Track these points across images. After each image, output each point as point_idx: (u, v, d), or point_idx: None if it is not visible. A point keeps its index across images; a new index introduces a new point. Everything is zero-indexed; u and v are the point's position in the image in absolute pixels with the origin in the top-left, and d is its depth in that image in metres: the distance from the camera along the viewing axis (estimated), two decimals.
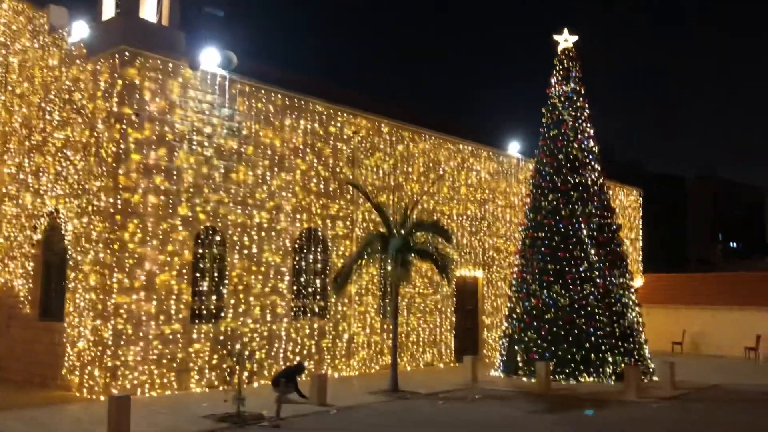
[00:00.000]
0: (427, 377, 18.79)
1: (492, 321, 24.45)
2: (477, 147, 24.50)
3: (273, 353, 17.23)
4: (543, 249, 19.29)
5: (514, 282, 20.11)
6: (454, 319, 22.93)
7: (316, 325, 18.47)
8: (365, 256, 15.59)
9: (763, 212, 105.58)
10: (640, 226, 34.34)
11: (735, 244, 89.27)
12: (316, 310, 18.67)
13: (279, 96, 18.10)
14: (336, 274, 16.78)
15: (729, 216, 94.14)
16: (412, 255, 15.99)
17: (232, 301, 16.49)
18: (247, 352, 16.28)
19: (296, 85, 19.32)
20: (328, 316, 18.89)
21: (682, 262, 64.88)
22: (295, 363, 15.34)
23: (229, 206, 16.63)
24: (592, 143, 20.24)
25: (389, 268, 16.25)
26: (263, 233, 17.33)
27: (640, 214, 34.42)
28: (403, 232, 15.93)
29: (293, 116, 18.38)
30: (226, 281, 16.48)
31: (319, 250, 18.82)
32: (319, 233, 18.88)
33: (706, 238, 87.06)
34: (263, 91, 17.74)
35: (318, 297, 18.74)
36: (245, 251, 16.86)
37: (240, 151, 17.03)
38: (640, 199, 34.65)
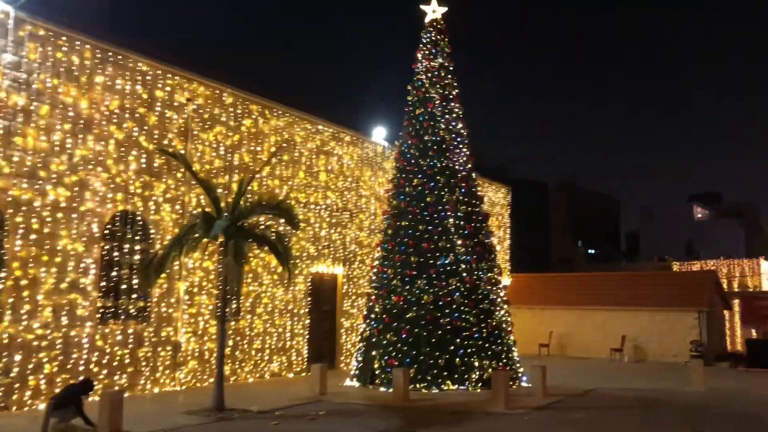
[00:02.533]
0: (270, 390, 15.92)
1: (352, 323, 21.96)
2: (339, 130, 22.00)
3: (70, 366, 13.65)
4: (406, 239, 17.07)
5: (374, 277, 17.75)
6: (308, 321, 20.20)
7: (131, 330, 15.04)
8: (185, 243, 12.46)
9: (619, 220, 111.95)
10: (508, 224, 33.40)
11: (593, 251, 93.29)
12: (133, 311, 15.24)
13: (87, 47, 14.60)
14: (146, 263, 13.53)
15: (587, 223, 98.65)
16: (249, 242, 13.08)
17: (11, 300, 12.79)
18: (31, 366, 12.70)
19: (115, 41, 15.82)
20: (149, 320, 15.53)
21: (546, 267, 66.20)
22: (80, 380, 11.94)
23: (11, 179, 12.94)
24: (460, 125, 18.34)
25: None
26: (60, 214, 13.73)
27: (508, 212, 33.51)
28: (235, 213, 12.97)
29: (107, 73, 14.93)
30: (3, 274, 12.76)
31: (137, 238, 15.43)
32: (139, 217, 15.49)
33: (567, 243, 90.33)
34: (65, 38, 14.17)
35: (135, 296, 15.32)
36: (32, 236, 13.20)
37: (29, 110, 13.38)
38: (509, 196, 33.77)
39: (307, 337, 20.12)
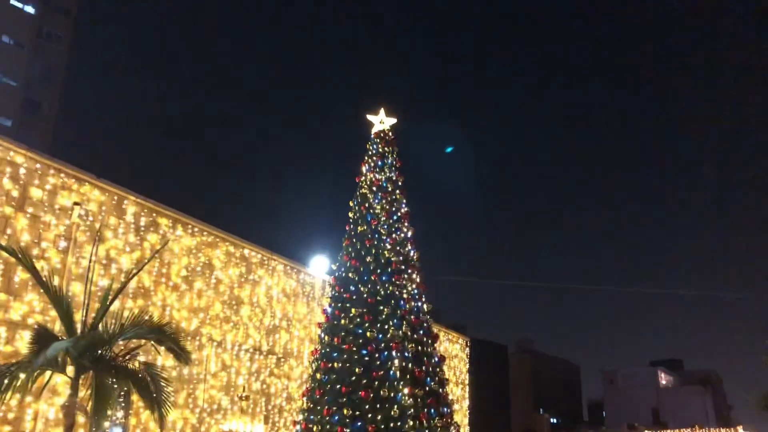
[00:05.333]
0: None
1: None
2: (269, 256, 18.83)
3: None
4: (338, 386, 13.36)
5: None
6: None
7: None
8: (7, 374, 8.66)
9: (580, 387, 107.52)
10: (467, 382, 29.51)
11: (555, 420, 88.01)
12: None
13: None
14: None
15: (548, 389, 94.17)
16: (110, 373, 9.33)
17: None
18: None
19: None
20: None
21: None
22: None
23: None
24: (410, 247, 15.40)
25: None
26: None
27: (467, 366, 29.76)
28: (93, 334, 9.35)
29: None
30: None
31: None
32: None
33: (528, 410, 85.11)
34: None
35: None
36: None
37: None
38: (467, 349, 30.21)
39: None
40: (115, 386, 9.63)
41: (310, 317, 19.79)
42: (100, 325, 9.59)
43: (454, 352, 28.53)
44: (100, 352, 9.33)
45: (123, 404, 13.49)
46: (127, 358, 9.59)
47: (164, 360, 14.64)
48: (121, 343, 9.94)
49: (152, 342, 10.21)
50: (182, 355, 10.07)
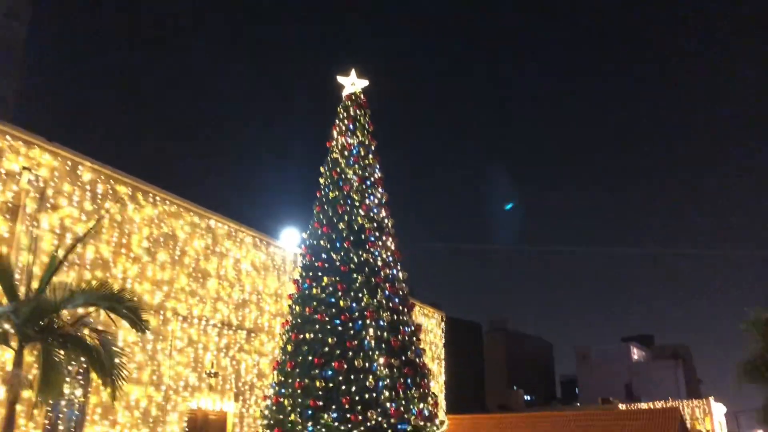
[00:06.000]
0: None
1: None
2: (237, 227, 18.02)
3: None
4: (310, 357, 12.72)
5: (266, 411, 13.08)
6: None
7: None
8: None
9: (553, 364, 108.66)
10: (443, 357, 29.09)
11: (529, 397, 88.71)
12: None
13: None
14: None
15: (522, 366, 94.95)
16: (58, 343, 8.54)
17: None
18: None
19: None
20: None
21: (483, 409, 61.12)
22: None
23: None
24: (384, 213, 14.74)
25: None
26: None
27: (443, 341, 29.34)
28: (37, 301, 8.54)
29: None
30: None
31: None
32: None
33: (502, 386, 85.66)
34: None
35: None
36: None
37: None
38: (443, 324, 29.78)
39: None
40: (69, 361, 8.88)
41: (281, 291, 19.06)
42: (47, 291, 8.77)
43: (429, 327, 28.06)
44: (46, 320, 8.52)
45: (81, 381, 12.69)
46: (77, 326, 8.77)
47: (126, 334, 13.88)
48: (69, 312, 9.13)
49: (106, 310, 9.43)
50: (139, 324, 9.31)
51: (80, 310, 9.09)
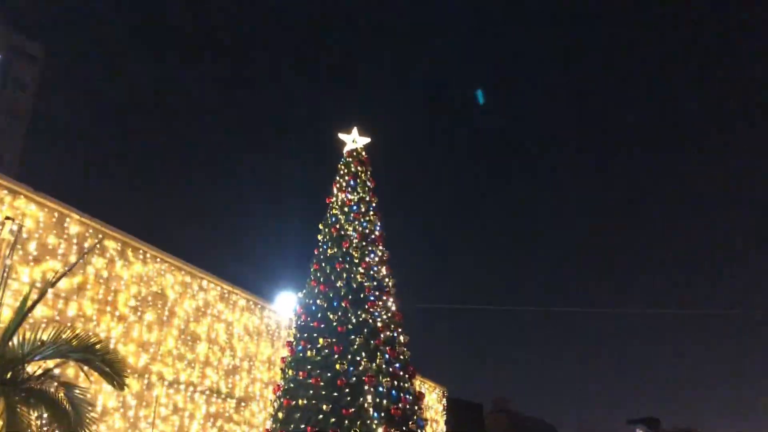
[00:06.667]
0: None
1: None
2: (230, 289, 17.24)
3: None
4: (303, 426, 11.73)
5: None
6: None
7: None
8: None
9: None
10: (445, 430, 27.57)
11: None
12: None
13: None
14: None
15: None
16: (21, 398, 7.65)
17: None
18: None
19: None
20: None
21: None
22: None
23: None
24: (384, 271, 14.05)
25: None
26: None
27: (444, 418, 27.89)
28: (8, 350, 7.72)
29: None
30: None
31: None
32: None
33: None
34: None
35: None
36: None
37: None
38: (444, 400, 28.41)
39: None
40: (35, 416, 7.96)
41: (275, 358, 18.06)
42: (15, 340, 7.97)
43: (430, 402, 26.71)
44: (11, 373, 7.68)
45: None
46: (43, 379, 7.91)
47: (106, 399, 12.91)
48: (41, 365, 8.28)
49: (78, 362, 8.57)
50: (117, 379, 8.44)
51: (50, 363, 8.25)
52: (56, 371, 8.31)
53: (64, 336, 8.23)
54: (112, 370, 8.47)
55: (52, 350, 7.98)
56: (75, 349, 8.22)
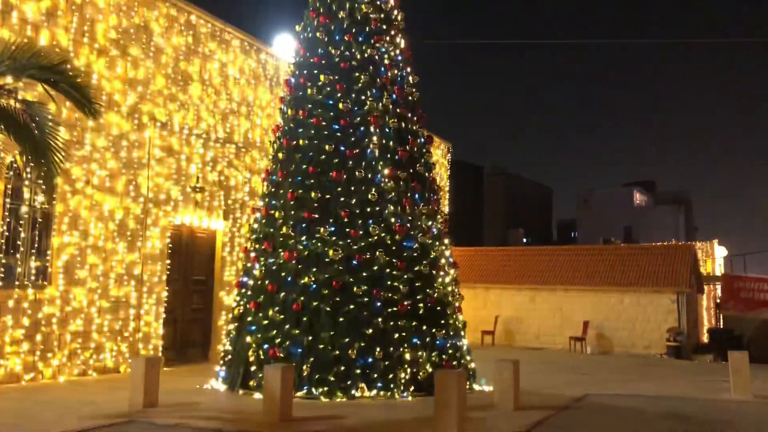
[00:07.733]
0: (72, 399, 9.61)
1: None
2: (223, 27, 15.68)
3: None
4: (304, 166, 11.07)
5: (254, 225, 11.70)
6: (165, 294, 13.90)
7: None
8: None
9: (551, 210, 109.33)
10: (447, 188, 27.78)
11: (526, 240, 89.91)
12: None
13: None
14: None
15: (521, 211, 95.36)
16: None
17: None
18: None
19: None
20: None
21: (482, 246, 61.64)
22: None
23: None
24: (392, 2, 12.43)
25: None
26: None
27: (448, 173, 27.90)
28: None
29: None
30: None
31: None
32: None
33: (500, 228, 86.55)
34: None
35: None
36: None
37: None
38: (449, 155, 28.19)
39: (164, 317, 13.82)
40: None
41: (275, 105, 17.07)
42: None
43: (435, 157, 26.42)
44: None
45: (44, 188, 11.09)
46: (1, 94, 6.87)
47: (93, 138, 12.16)
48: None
49: (42, 83, 7.51)
50: (87, 105, 7.43)
51: (9, 79, 7.18)
52: (18, 88, 7.26)
53: (24, 49, 7.03)
54: (81, 94, 7.42)
55: (7, 63, 6.84)
56: (37, 65, 7.08)
